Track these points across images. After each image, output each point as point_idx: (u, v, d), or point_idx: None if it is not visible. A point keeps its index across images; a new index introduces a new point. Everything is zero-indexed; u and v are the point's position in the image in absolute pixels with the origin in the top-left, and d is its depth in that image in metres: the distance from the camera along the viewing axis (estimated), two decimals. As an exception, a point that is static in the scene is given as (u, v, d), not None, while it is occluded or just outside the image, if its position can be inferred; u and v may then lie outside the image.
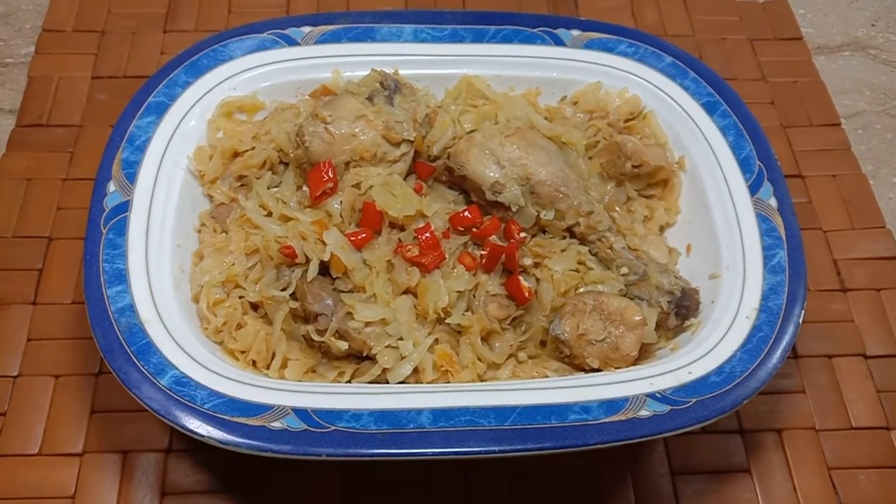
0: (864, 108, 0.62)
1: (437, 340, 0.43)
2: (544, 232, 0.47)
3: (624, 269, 0.45)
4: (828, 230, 0.55)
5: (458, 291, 0.43)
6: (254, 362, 0.43)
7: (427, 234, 0.44)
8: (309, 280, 0.43)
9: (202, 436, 0.37)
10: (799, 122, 0.60)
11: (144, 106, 0.47)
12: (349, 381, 0.43)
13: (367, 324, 0.42)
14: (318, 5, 0.63)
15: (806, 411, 0.48)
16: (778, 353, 0.41)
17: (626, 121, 0.51)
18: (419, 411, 0.38)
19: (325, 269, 0.43)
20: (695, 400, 0.39)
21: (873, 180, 0.58)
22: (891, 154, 0.60)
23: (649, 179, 0.50)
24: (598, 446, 0.38)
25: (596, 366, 0.42)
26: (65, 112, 0.57)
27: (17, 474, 0.43)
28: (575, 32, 0.53)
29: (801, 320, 0.42)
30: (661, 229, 0.50)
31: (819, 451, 0.47)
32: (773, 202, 0.46)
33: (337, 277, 0.43)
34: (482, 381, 0.43)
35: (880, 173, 0.59)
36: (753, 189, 0.47)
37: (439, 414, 0.38)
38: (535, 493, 0.44)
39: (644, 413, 0.38)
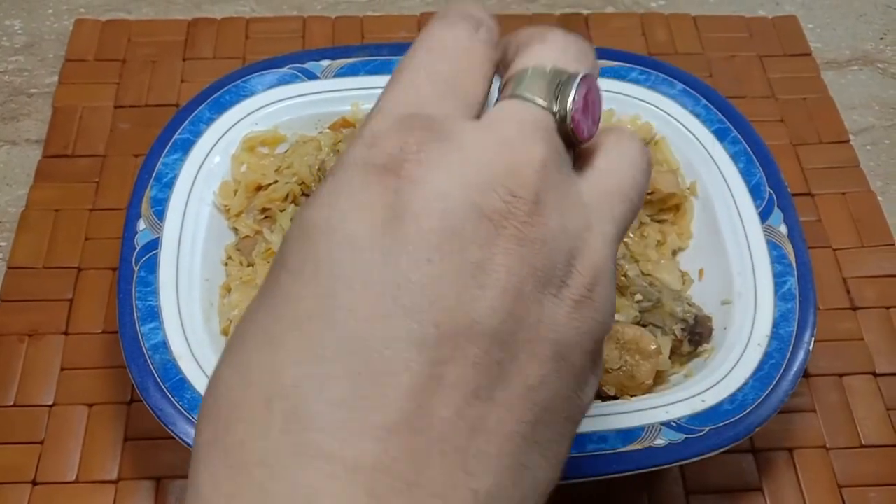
0: (873, 123, 0.63)
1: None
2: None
3: (638, 297, 0.47)
4: (837, 248, 0.56)
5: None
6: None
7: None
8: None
9: (236, 470, 0.38)
10: (808, 139, 0.61)
11: (170, 143, 0.48)
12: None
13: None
14: (333, 29, 0.64)
15: (816, 430, 0.49)
16: (788, 379, 0.42)
17: (639, 147, 0.53)
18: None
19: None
20: (708, 428, 0.40)
21: (882, 197, 0.59)
22: (899, 170, 0.60)
23: (661, 205, 0.51)
24: (615, 476, 0.39)
25: (612, 394, 0.44)
26: (89, 142, 0.58)
27: (56, 502, 0.45)
28: (587, 60, 0.54)
29: (811, 347, 0.43)
30: (674, 253, 0.51)
31: (830, 470, 0.48)
32: (783, 229, 0.47)
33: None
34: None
35: (889, 190, 0.59)
36: (764, 216, 0.48)
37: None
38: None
39: (660, 442, 0.40)
